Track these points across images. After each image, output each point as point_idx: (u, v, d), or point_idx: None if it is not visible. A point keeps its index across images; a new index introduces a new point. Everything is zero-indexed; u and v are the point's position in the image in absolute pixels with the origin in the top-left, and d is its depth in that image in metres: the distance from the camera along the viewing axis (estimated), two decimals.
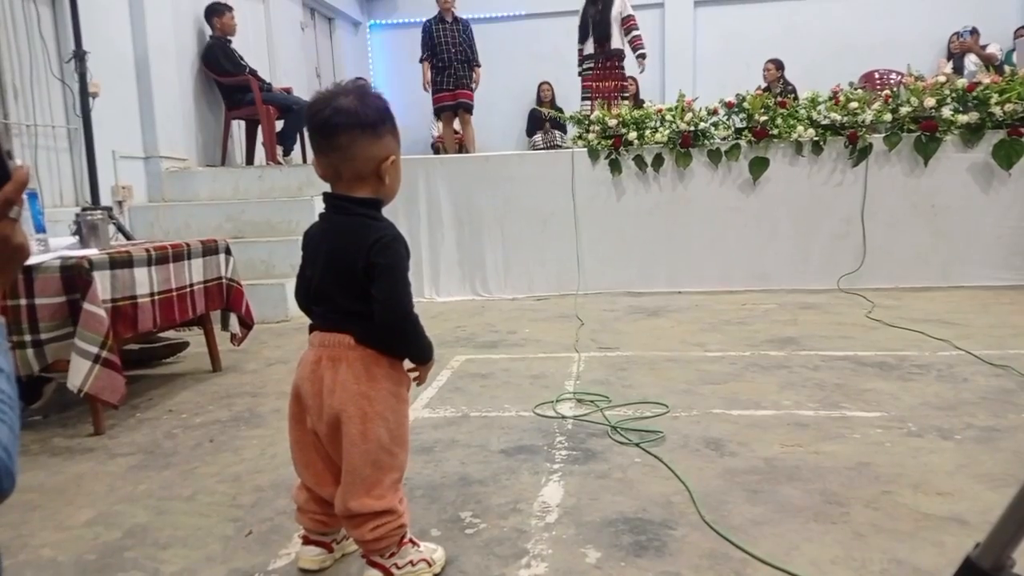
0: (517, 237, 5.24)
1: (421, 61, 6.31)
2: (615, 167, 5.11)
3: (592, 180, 5.15)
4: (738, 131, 5.03)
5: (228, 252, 3.32)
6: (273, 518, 1.75)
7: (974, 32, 7.31)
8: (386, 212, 1.42)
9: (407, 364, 1.45)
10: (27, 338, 2.35)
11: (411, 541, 1.44)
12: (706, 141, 5.02)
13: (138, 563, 1.57)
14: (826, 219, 4.93)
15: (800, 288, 4.88)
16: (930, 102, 4.69)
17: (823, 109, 4.90)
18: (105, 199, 4.33)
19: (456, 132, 6.45)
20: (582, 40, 6.04)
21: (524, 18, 9.17)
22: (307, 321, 1.46)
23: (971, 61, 7.16)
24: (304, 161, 5.89)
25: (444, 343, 3.61)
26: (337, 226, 1.39)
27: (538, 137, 8.24)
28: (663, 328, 3.85)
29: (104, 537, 1.70)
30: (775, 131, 4.89)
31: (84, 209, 3.32)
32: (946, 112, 4.66)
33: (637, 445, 2.12)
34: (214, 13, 5.65)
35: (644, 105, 5.35)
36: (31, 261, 2.17)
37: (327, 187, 1.42)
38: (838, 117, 4.83)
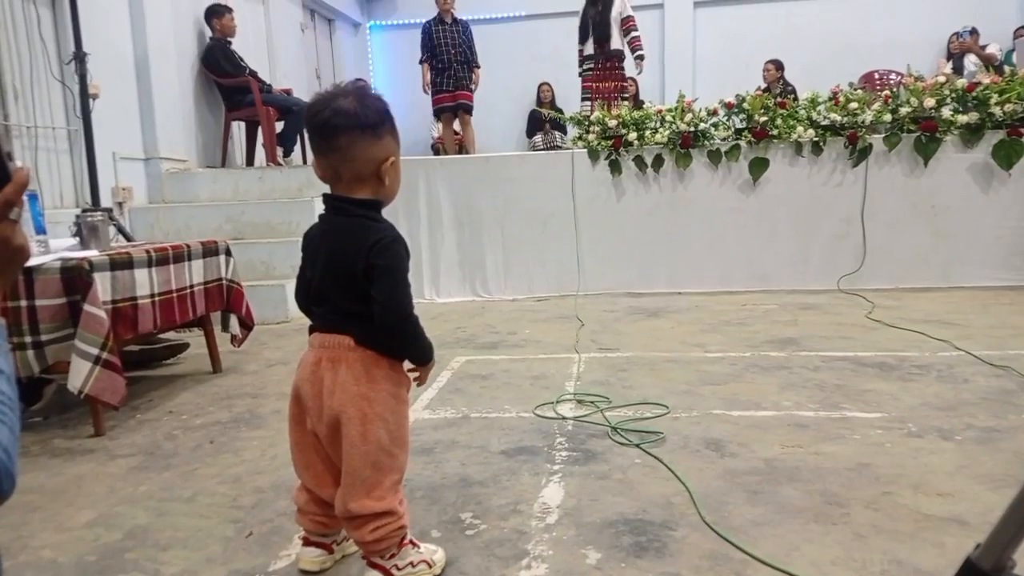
0: (517, 238, 5.24)
1: (421, 63, 6.32)
2: (615, 168, 5.11)
3: (592, 181, 5.16)
4: (738, 132, 5.03)
5: (228, 253, 3.32)
6: (273, 519, 1.75)
7: (974, 32, 7.31)
8: (386, 213, 1.42)
9: (407, 365, 1.45)
10: (27, 339, 2.35)
11: (411, 542, 1.44)
12: (706, 142, 5.02)
13: (139, 564, 1.57)
14: (826, 219, 4.93)
15: (800, 289, 4.88)
16: (930, 102, 4.69)
17: (823, 109, 4.90)
18: (105, 200, 4.33)
19: (456, 133, 6.45)
20: (582, 41, 6.05)
21: (524, 19, 9.18)
22: (307, 322, 1.46)
23: (971, 61, 7.17)
24: (304, 162, 5.89)
25: (444, 344, 3.61)
26: (337, 227, 1.39)
27: (538, 138, 8.24)
28: (663, 329, 3.85)
29: (104, 538, 1.70)
30: (775, 132, 4.89)
31: (84, 210, 3.32)
32: (946, 112, 4.66)
33: (637, 446, 2.12)
34: (214, 14, 5.65)
35: (644, 106, 5.35)
36: (31, 263, 2.17)
37: (327, 188, 1.42)
38: (838, 117, 4.83)
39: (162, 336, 3.42)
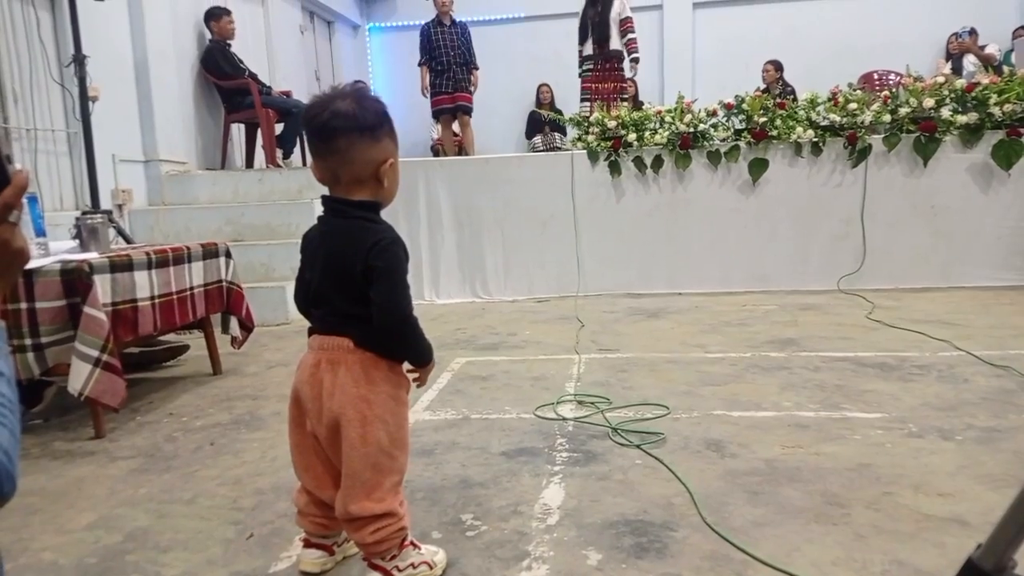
0: (517, 239, 5.24)
1: (420, 65, 6.32)
2: (614, 169, 5.11)
3: (592, 182, 5.16)
4: (737, 132, 5.03)
5: (228, 255, 3.32)
6: (274, 521, 1.75)
7: (973, 33, 7.32)
8: (386, 214, 1.42)
9: (406, 367, 1.45)
10: (27, 342, 2.35)
11: (412, 544, 1.44)
12: (705, 142, 5.02)
13: (139, 567, 1.57)
14: (826, 220, 4.93)
15: (800, 289, 4.88)
16: (929, 103, 4.69)
17: (822, 110, 4.90)
18: (105, 203, 4.33)
19: (455, 135, 6.46)
20: (581, 41, 6.05)
21: (523, 20, 9.18)
22: (307, 324, 1.46)
23: (970, 62, 7.17)
24: (304, 164, 5.90)
25: (444, 345, 3.61)
26: (336, 229, 1.39)
27: (537, 139, 8.25)
28: (663, 329, 3.85)
29: (105, 540, 1.69)
30: (774, 132, 4.89)
31: (84, 213, 3.33)
32: (945, 113, 4.66)
33: (638, 447, 2.12)
34: (212, 17, 5.66)
35: (643, 107, 5.36)
36: (31, 265, 2.17)
37: (326, 190, 1.42)
38: (837, 118, 4.83)
39: (162, 338, 3.42)
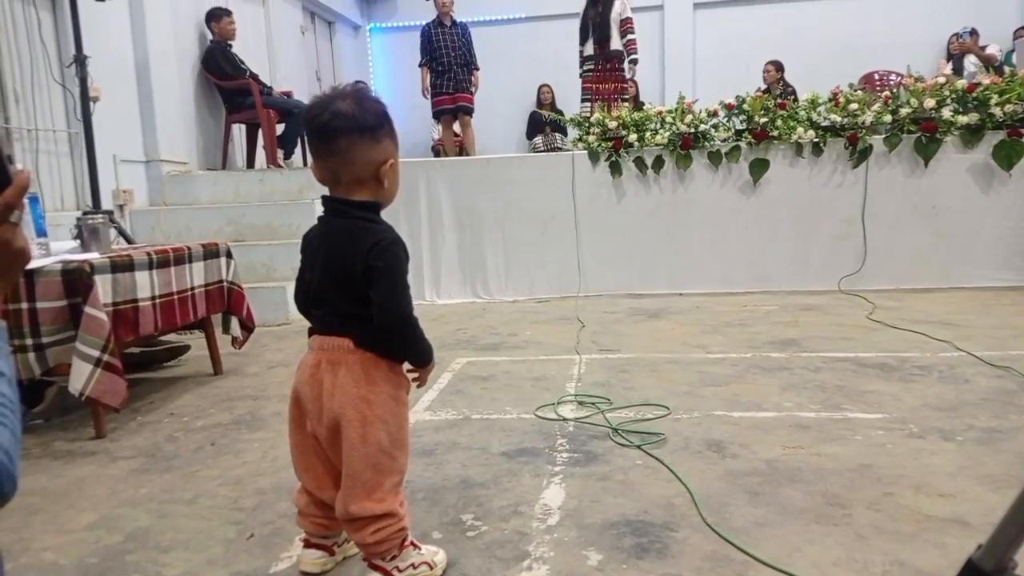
0: (518, 239, 5.24)
1: (420, 66, 6.32)
2: (615, 169, 5.11)
3: (592, 182, 5.16)
4: (738, 133, 5.03)
5: (229, 255, 3.32)
6: (275, 521, 1.75)
7: (973, 33, 7.31)
8: (387, 215, 1.42)
9: (407, 367, 1.45)
10: (28, 342, 2.35)
11: (412, 544, 1.44)
12: (706, 143, 5.02)
13: (140, 567, 1.57)
14: (826, 220, 4.93)
15: (801, 289, 4.88)
16: (930, 103, 4.69)
17: (823, 110, 4.90)
18: (106, 203, 4.33)
19: (456, 135, 6.46)
20: (582, 41, 6.05)
21: (523, 21, 9.18)
22: (308, 324, 1.46)
23: (971, 62, 7.16)
24: (304, 164, 5.90)
25: (445, 345, 3.61)
26: (336, 229, 1.39)
27: (538, 140, 8.25)
28: (664, 330, 3.85)
29: (106, 540, 1.70)
30: (775, 133, 4.89)
31: (85, 213, 3.33)
32: (946, 113, 4.66)
33: (638, 447, 2.12)
34: (213, 18, 5.67)
35: (644, 107, 5.36)
36: (32, 265, 2.17)
37: (327, 190, 1.42)
38: (838, 118, 4.83)
39: (163, 338, 3.42)
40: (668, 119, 5.06)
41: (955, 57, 7.42)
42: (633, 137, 5.02)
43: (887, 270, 4.82)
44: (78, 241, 2.99)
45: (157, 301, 2.77)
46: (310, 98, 1.42)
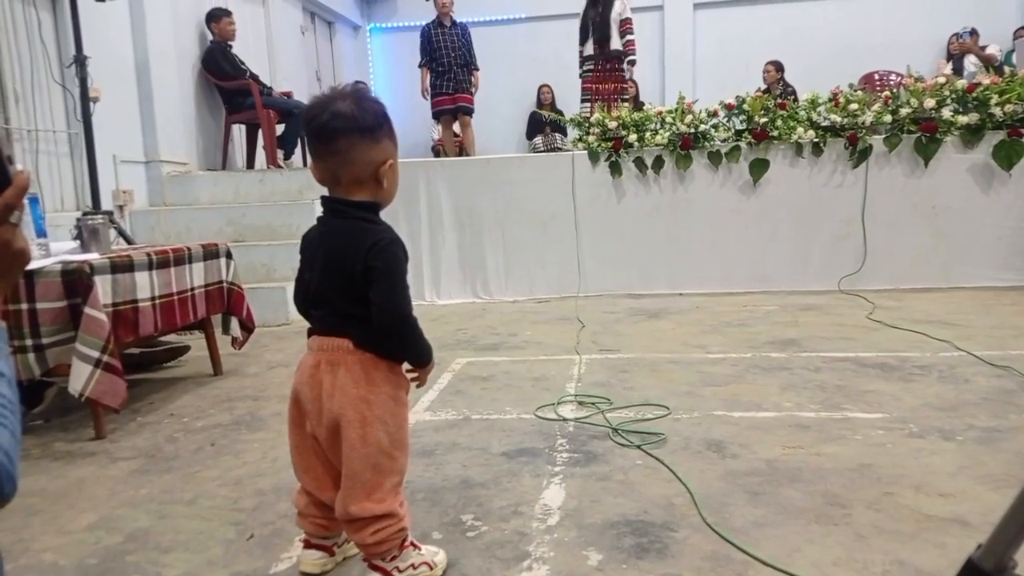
0: (518, 239, 5.24)
1: (420, 67, 6.33)
2: (615, 169, 5.11)
3: (592, 182, 5.16)
4: (738, 133, 5.03)
5: (229, 256, 3.32)
6: (275, 522, 1.75)
7: (973, 33, 7.32)
8: (387, 215, 1.42)
9: (406, 367, 1.45)
10: (28, 342, 2.36)
11: (412, 544, 1.44)
12: (706, 143, 5.02)
13: (140, 567, 1.57)
14: (826, 220, 4.93)
15: (801, 289, 4.88)
16: (930, 103, 4.69)
17: (823, 110, 4.90)
18: (106, 203, 4.33)
19: (456, 135, 6.46)
20: (582, 42, 6.05)
21: (523, 21, 9.18)
22: (308, 324, 1.46)
23: (971, 62, 7.16)
24: (304, 165, 5.90)
25: (445, 346, 3.61)
26: (335, 230, 1.39)
27: (538, 140, 8.25)
28: (664, 330, 3.85)
29: (106, 541, 1.70)
30: (775, 133, 4.89)
31: (85, 214, 3.33)
32: (946, 113, 4.66)
33: (638, 447, 2.12)
34: (212, 18, 5.67)
35: (644, 107, 5.36)
36: (32, 266, 2.17)
37: (326, 191, 1.42)
38: (838, 118, 4.83)
39: (163, 339, 3.42)
40: (668, 119, 5.06)
41: (955, 57, 7.42)
42: (633, 137, 5.02)
43: (887, 270, 4.82)
44: (78, 242, 2.99)
45: (157, 302, 2.77)
46: (310, 98, 1.42)
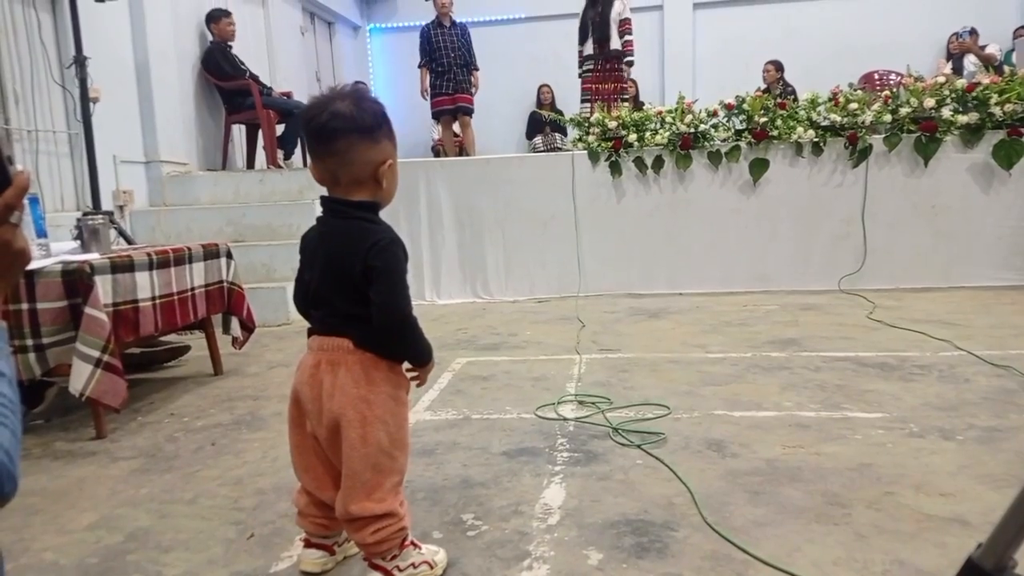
0: (518, 239, 5.24)
1: (420, 67, 6.33)
2: (615, 169, 5.11)
3: (592, 182, 5.16)
4: (738, 133, 5.03)
5: (229, 256, 3.32)
6: (275, 521, 1.76)
7: (973, 32, 7.31)
8: (387, 215, 1.42)
9: (406, 366, 1.45)
10: (29, 342, 2.36)
11: (413, 543, 1.44)
12: (706, 143, 5.02)
13: (140, 567, 1.57)
14: (826, 220, 4.93)
15: (801, 289, 4.88)
16: (930, 103, 4.69)
17: (823, 110, 4.90)
18: (106, 204, 4.33)
19: (456, 135, 6.46)
20: (582, 41, 6.05)
21: (523, 21, 9.18)
22: (308, 324, 1.46)
23: (970, 61, 7.16)
24: (304, 165, 5.90)
25: (445, 345, 3.62)
26: (335, 230, 1.39)
27: (538, 140, 8.25)
28: (664, 330, 3.85)
29: (106, 541, 1.70)
30: (775, 132, 4.89)
31: (85, 214, 3.33)
32: (946, 113, 4.66)
33: (639, 447, 2.12)
34: (212, 19, 5.68)
35: (644, 107, 5.36)
36: (32, 266, 2.17)
37: (326, 191, 1.42)
38: (838, 118, 4.83)
39: (163, 339, 3.42)
40: (668, 119, 5.06)
41: (955, 57, 7.42)
42: (633, 137, 5.02)
43: (887, 270, 4.82)
44: (78, 242, 3.00)
45: (157, 301, 2.78)
46: (309, 99, 1.42)
